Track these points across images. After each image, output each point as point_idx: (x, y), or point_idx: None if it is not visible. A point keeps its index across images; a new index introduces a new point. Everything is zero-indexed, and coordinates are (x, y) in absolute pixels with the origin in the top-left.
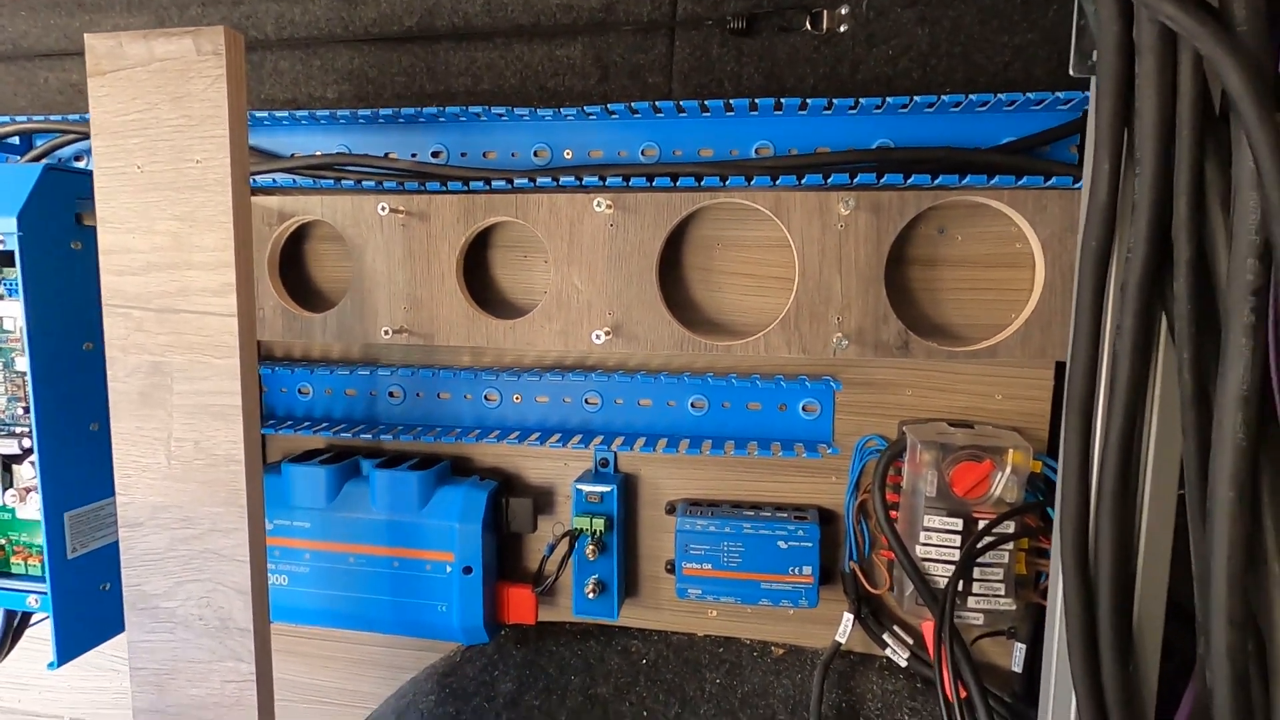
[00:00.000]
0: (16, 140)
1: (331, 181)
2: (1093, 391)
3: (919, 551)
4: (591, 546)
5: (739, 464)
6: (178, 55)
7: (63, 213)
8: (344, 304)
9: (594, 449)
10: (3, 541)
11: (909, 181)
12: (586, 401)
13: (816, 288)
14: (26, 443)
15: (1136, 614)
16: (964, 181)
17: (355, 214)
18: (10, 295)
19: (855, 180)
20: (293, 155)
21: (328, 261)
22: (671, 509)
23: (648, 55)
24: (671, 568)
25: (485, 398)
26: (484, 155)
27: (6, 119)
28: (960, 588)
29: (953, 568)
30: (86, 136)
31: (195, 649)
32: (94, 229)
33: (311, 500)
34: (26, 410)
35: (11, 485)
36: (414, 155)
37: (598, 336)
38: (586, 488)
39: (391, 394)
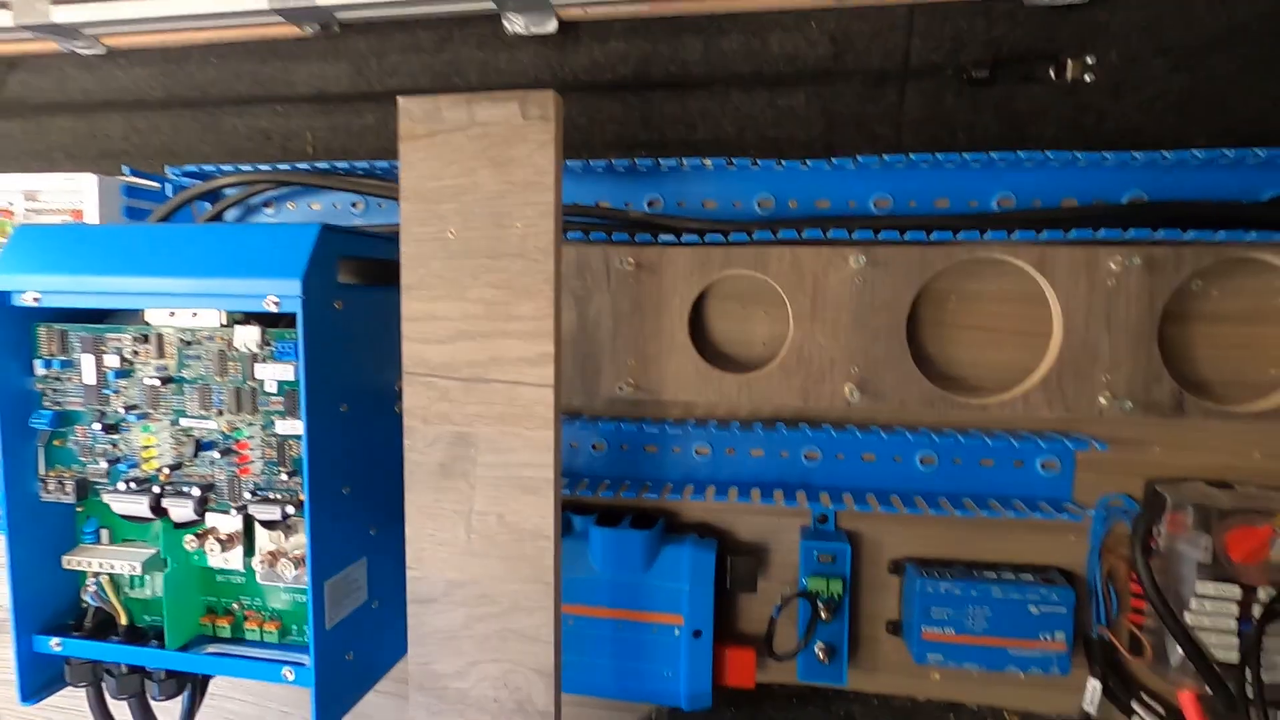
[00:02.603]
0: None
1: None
2: None
3: (1189, 619)
4: (825, 610)
5: (966, 521)
6: (501, 120)
7: (329, 272)
8: (565, 357)
9: (812, 506)
10: (235, 606)
11: (1186, 235)
12: (805, 456)
13: (1082, 346)
14: (285, 509)
15: None
16: (1221, 236)
17: (580, 265)
18: (279, 359)
19: (1127, 234)
20: None
21: None
22: (895, 568)
23: (876, 105)
24: (894, 628)
25: (695, 451)
26: (703, 205)
27: (193, 168)
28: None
29: (1228, 636)
30: (282, 185)
31: None
32: (351, 286)
33: None
34: (290, 475)
35: (253, 550)
36: (627, 205)
37: (852, 392)
38: (818, 548)
39: (594, 446)
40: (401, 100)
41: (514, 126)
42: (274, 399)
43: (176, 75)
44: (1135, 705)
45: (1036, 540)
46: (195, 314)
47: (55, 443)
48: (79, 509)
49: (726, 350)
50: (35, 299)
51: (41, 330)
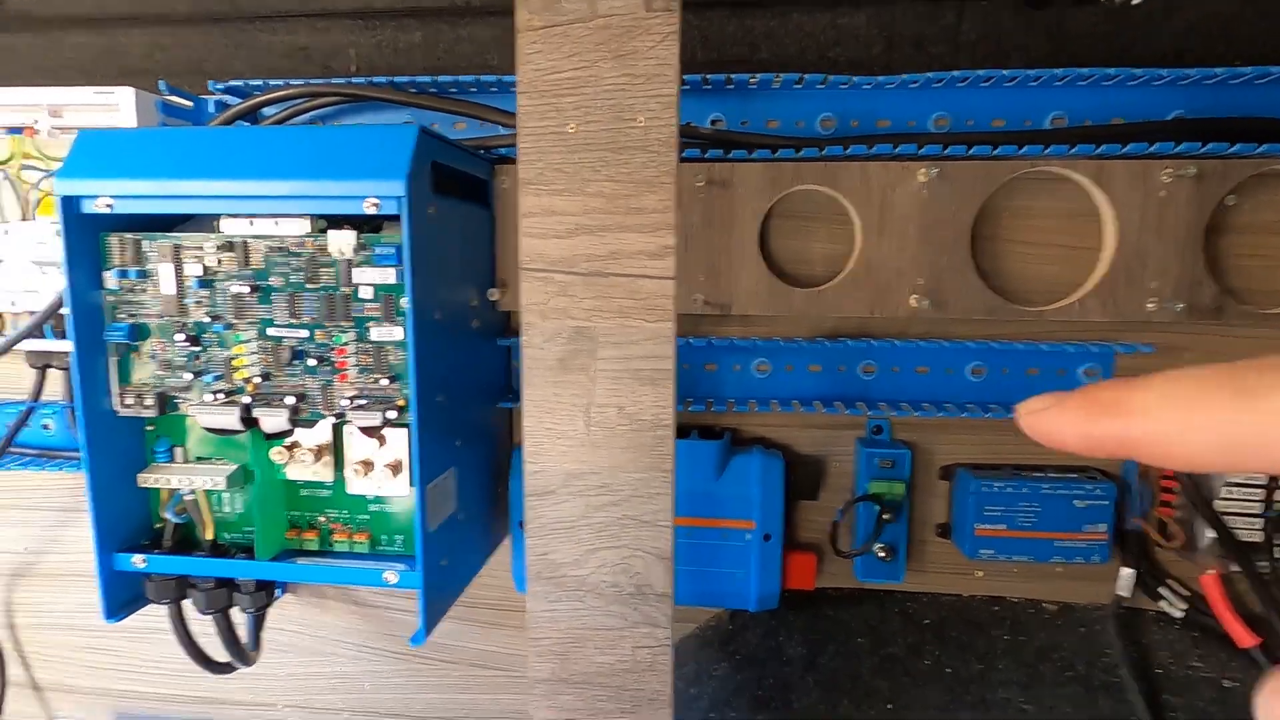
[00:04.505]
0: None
1: None
2: None
3: (1218, 506)
4: (888, 512)
5: (1010, 428)
6: (624, 11)
7: (425, 176)
8: None
9: (873, 413)
10: (320, 520)
11: (1232, 149)
12: (863, 371)
13: (1134, 254)
14: (386, 414)
15: None
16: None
17: None
18: (377, 263)
19: (1177, 149)
20: None
21: None
22: (945, 474)
23: (935, 25)
24: (943, 531)
25: (756, 369)
26: (766, 124)
27: (238, 83)
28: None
29: (1253, 520)
30: (347, 100)
31: (606, 616)
32: (438, 194)
33: None
34: (390, 380)
35: (341, 461)
36: (689, 124)
37: (919, 301)
38: (879, 454)
39: None
40: None
41: (637, 18)
42: (369, 305)
43: None
44: (1163, 591)
45: None
46: (278, 222)
47: (135, 356)
48: (150, 428)
49: (788, 269)
50: (108, 205)
51: (112, 240)
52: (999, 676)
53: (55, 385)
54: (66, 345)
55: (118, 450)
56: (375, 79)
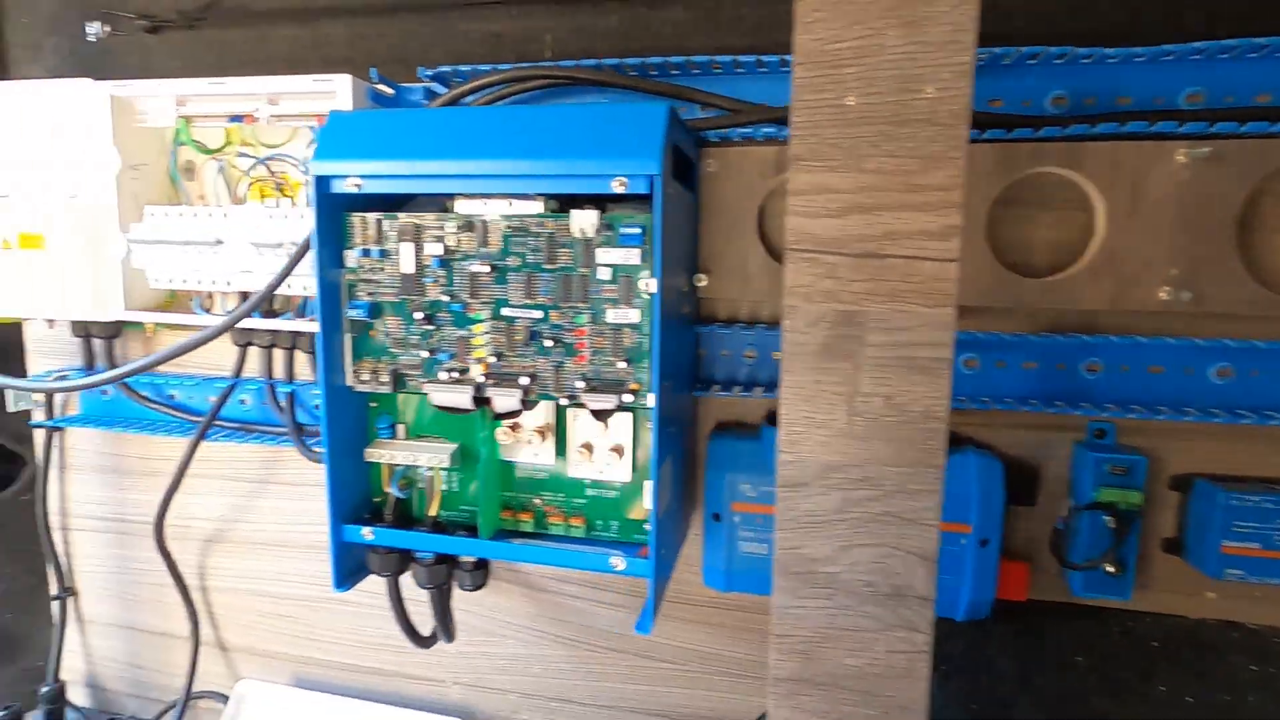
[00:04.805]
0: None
1: None
2: None
3: None
4: (1117, 522)
5: (1259, 436)
6: None
7: (669, 157)
8: None
9: (1093, 420)
10: (536, 501)
11: None
12: (1086, 369)
13: None
14: (622, 398)
15: None
16: None
17: None
18: (622, 244)
19: None
20: (777, 106)
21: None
22: (1176, 484)
23: None
24: (1168, 546)
25: (964, 364)
26: (989, 104)
27: (446, 68)
28: None
29: None
30: (555, 83)
31: (859, 616)
32: (674, 179)
33: None
34: (628, 363)
35: (564, 443)
36: None
37: (1174, 294)
38: (1109, 460)
39: None
40: None
41: None
42: (606, 286)
43: None
44: None
45: None
46: (511, 203)
47: (371, 334)
48: (373, 404)
49: (1006, 258)
50: (357, 185)
51: (355, 219)
52: (1251, 711)
53: (252, 362)
54: (272, 324)
55: (347, 425)
56: (584, 62)
